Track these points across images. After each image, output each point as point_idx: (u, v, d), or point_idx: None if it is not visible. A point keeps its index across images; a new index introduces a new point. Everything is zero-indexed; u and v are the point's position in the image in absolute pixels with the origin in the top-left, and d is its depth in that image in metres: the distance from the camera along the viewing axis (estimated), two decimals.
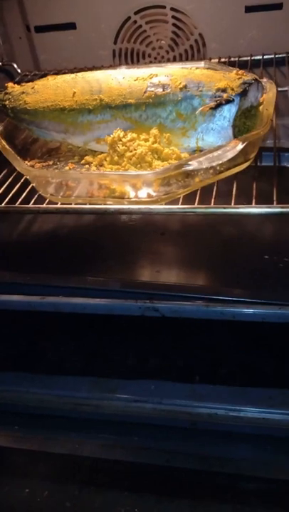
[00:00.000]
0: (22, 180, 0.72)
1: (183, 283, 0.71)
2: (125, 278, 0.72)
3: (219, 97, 0.60)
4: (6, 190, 0.70)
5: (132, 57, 1.06)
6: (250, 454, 0.68)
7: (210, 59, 1.00)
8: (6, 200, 0.67)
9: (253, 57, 0.97)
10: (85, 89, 0.67)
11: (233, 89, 0.60)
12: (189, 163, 0.56)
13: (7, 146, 0.65)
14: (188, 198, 0.63)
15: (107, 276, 0.72)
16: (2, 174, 0.75)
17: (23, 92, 0.71)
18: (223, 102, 0.60)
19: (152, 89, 0.64)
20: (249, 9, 0.97)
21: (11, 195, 0.68)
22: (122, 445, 0.70)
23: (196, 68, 0.67)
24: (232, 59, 0.98)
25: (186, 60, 1.04)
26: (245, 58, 0.98)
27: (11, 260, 0.77)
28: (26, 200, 0.68)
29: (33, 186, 0.67)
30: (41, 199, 0.68)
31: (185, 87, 0.62)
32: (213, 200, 0.60)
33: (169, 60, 1.05)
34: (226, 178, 0.62)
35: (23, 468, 0.71)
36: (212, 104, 0.60)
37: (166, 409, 0.70)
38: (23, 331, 0.81)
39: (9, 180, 0.73)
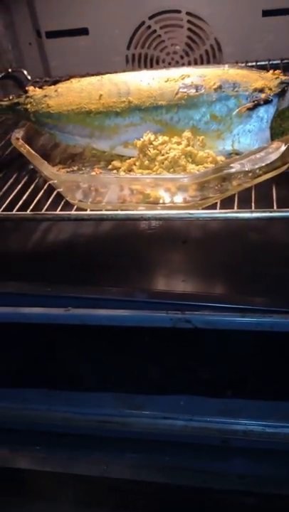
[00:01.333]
0: (32, 187, 0.69)
1: (213, 293, 0.68)
2: (151, 288, 0.69)
3: (256, 97, 0.58)
4: (19, 197, 0.67)
5: (145, 63, 1.04)
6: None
7: (226, 63, 0.98)
8: (31, 207, 0.63)
9: (270, 62, 0.95)
10: (112, 91, 0.64)
11: (270, 89, 0.58)
12: (231, 165, 0.53)
13: (32, 151, 0.62)
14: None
15: (130, 286, 0.69)
16: (10, 181, 0.72)
17: (45, 96, 0.68)
18: (261, 102, 0.57)
19: (184, 90, 0.61)
20: (266, 13, 0.95)
21: (35, 202, 0.65)
22: (153, 465, 0.66)
23: (229, 68, 0.65)
24: (249, 63, 0.96)
25: (201, 65, 1.02)
26: (262, 63, 0.96)
27: (29, 270, 0.73)
28: (50, 208, 0.65)
29: (52, 195, 0.64)
30: (64, 205, 0.65)
31: (220, 87, 0.60)
32: (253, 205, 0.57)
33: (183, 66, 1.03)
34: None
35: (49, 492, 0.67)
36: (249, 104, 0.58)
37: (197, 426, 0.67)
38: (42, 344, 0.78)
39: (18, 186, 0.70)
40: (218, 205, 0.59)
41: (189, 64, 1.03)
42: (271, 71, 0.62)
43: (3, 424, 0.72)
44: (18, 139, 0.65)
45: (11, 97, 0.72)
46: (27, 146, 0.63)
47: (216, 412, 0.67)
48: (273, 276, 0.66)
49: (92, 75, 1.01)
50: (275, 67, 0.94)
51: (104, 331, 0.70)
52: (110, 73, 0.99)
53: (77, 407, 0.70)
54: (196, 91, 0.61)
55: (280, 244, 0.72)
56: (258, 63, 0.96)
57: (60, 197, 0.65)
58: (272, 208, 0.55)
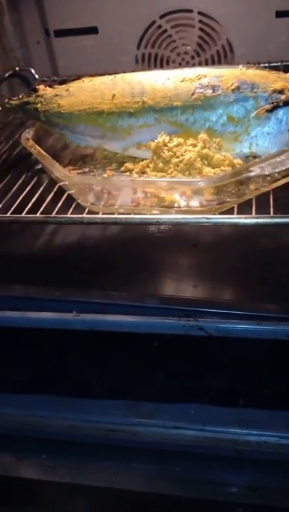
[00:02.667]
0: (42, 189, 0.67)
1: (227, 299, 0.66)
2: (161, 293, 0.68)
3: (276, 98, 0.56)
4: (28, 199, 0.65)
5: (155, 63, 1.03)
6: None
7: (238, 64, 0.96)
8: (41, 209, 0.61)
9: (284, 63, 0.94)
10: (125, 91, 0.63)
11: None
12: (251, 169, 0.51)
13: (43, 152, 0.60)
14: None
15: (140, 290, 0.68)
16: (19, 182, 0.71)
17: (56, 95, 0.66)
18: (281, 103, 0.56)
19: (201, 90, 0.60)
20: (280, 14, 0.93)
21: (44, 204, 0.63)
22: (163, 476, 0.65)
23: (247, 69, 0.63)
24: (261, 65, 0.95)
25: (213, 65, 1.00)
26: (275, 64, 0.94)
27: (36, 273, 0.71)
28: (61, 211, 0.63)
29: (63, 196, 0.62)
30: (75, 208, 0.63)
31: (238, 88, 0.58)
32: (272, 210, 0.55)
33: (194, 66, 1.01)
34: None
35: (58, 504, 0.65)
36: (268, 106, 0.56)
37: (209, 436, 0.65)
38: (49, 350, 0.76)
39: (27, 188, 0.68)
40: (236, 209, 0.57)
41: (200, 64, 1.01)
42: None
43: (10, 431, 0.70)
44: (28, 139, 0.63)
45: (20, 96, 0.70)
46: (37, 147, 0.61)
47: (229, 422, 0.65)
48: (286, 281, 0.65)
49: (101, 74, 0.99)
50: (287, 68, 0.93)
51: (112, 336, 0.68)
52: (120, 73, 0.99)
53: (84, 414, 0.68)
54: (213, 92, 0.59)
55: None
56: (271, 64, 0.94)
57: (70, 199, 0.63)
58: None
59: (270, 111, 0.56)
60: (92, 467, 0.68)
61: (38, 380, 0.72)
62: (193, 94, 0.60)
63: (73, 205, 0.63)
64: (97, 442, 0.69)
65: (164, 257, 0.72)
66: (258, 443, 0.64)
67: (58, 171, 0.57)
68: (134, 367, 0.72)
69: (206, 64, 1.01)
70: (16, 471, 0.68)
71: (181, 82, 0.61)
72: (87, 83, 0.67)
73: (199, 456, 0.66)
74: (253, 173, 0.51)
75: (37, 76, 1.05)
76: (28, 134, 0.65)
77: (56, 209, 0.63)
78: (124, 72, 0.99)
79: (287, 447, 0.63)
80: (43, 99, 0.67)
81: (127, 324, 0.64)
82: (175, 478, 0.66)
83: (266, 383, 0.68)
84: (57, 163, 0.58)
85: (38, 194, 0.66)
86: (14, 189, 0.69)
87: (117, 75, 0.67)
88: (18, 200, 0.65)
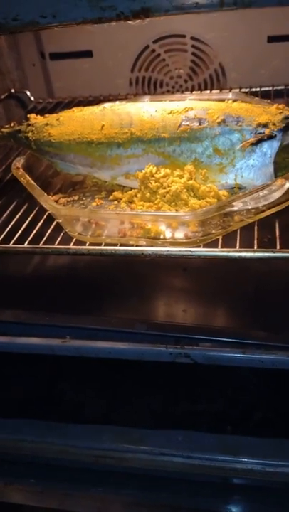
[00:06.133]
0: (33, 213, 0.68)
1: (214, 325, 0.67)
2: (150, 318, 0.68)
3: (260, 132, 0.57)
4: (17, 226, 0.66)
5: (148, 86, 1.04)
6: None
7: (230, 89, 0.97)
8: (29, 239, 0.62)
9: (275, 88, 0.95)
10: (114, 121, 0.64)
11: (274, 125, 0.57)
12: (233, 204, 0.52)
13: (32, 182, 0.61)
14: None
15: (130, 315, 0.68)
16: (10, 208, 0.72)
17: (47, 124, 0.67)
18: (265, 137, 0.56)
19: (188, 123, 0.60)
20: (272, 39, 0.95)
21: (35, 231, 0.64)
22: (151, 503, 0.65)
23: (233, 101, 0.64)
24: (253, 89, 0.96)
25: (205, 89, 1.02)
26: (266, 88, 0.95)
27: (26, 299, 0.72)
28: (50, 239, 0.64)
29: (52, 223, 0.63)
30: (64, 237, 0.64)
31: (223, 121, 0.59)
32: (256, 242, 0.56)
33: (187, 90, 1.02)
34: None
35: None
36: (253, 139, 0.57)
37: (196, 463, 0.65)
38: (38, 374, 0.76)
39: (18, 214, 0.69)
40: (220, 240, 0.58)
41: (193, 88, 1.02)
42: (275, 105, 0.61)
43: None
44: (18, 168, 0.64)
45: (12, 124, 0.71)
46: (27, 176, 0.62)
47: (216, 449, 0.65)
48: (276, 307, 0.65)
49: (96, 97, 1.01)
50: (279, 93, 0.94)
51: (101, 361, 0.68)
52: (114, 95, 1.00)
53: (73, 439, 0.69)
54: (200, 124, 0.60)
55: (283, 273, 0.71)
56: (262, 89, 0.95)
57: (60, 226, 0.64)
58: (275, 246, 0.54)
59: (255, 144, 0.57)
60: (80, 493, 0.68)
61: (27, 404, 0.72)
62: (180, 126, 0.61)
63: (64, 231, 0.63)
64: (85, 467, 0.69)
65: (153, 281, 0.72)
66: (244, 470, 0.64)
67: (46, 202, 0.58)
68: (123, 392, 0.73)
69: (199, 87, 1.02)
70: (3, 496, 0.69)
71: (169, 114, 0.62)
72: (77, 113, 0.68)
73: (187, 482, 0.67)
74: (235, 208, 0.52)
75: (32, 98, 1.06)
76: (18, 162, 0.66)
77: (47, 233, 0.64)
78: (119, 94, 1.02)
79: (273, 475, 0.63)
80: (34, 128, 0.68)
81: (115, 351, 0.64)
82: (162, 504, 0.66)
83: (254, 410, 0.68)
84: (45, 194, 0.59)
85: (28, 221, 0.67)
86: (5, 215, 0.70)
87: (106, 106, 0.68)
88: (8, 227, 0.66)
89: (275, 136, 0.56)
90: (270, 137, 0.56)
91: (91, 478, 0.68)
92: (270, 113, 0.58)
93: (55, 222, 0.65)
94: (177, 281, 0.73)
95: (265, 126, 0.57)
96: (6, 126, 0.72)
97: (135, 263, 0.74)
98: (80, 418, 0.70)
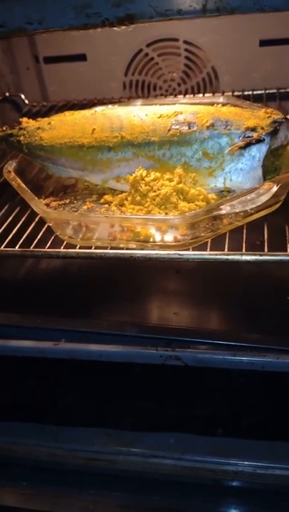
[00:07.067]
0: (25, 216, 0.69)
1: (205, 328, 0.67)
2: (142, 321, 0.68)
3: (248, 136, 0.57)
4: (9, 229, 0.67)
5: (142, 89, 1.04)
6: None
7: (223, 92, 0.98)
8: (20, 242, 0.63)
9: (267, 91, 0.95)
10: (105, 125, 0.64)
11: (263, 128, 0.57)
12: (221, 207, 0.52)
13: (23, 185, 0.61)
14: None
15: (122, 318, 0.68)
16: (2, 211, 0.72)
17: (38, 128, 0.68)
18: (254, 141, 0.57)
19: (177, 127, 0.61)
20: (264, 43, 0.95)
21: (26, 233, 0.64)
22: (142, 505, 0.65)
23: (222, 106, 0.64)
24: (245, 92, 0.96)
25: (198, 92, 1.02)
26: (259, 92, 0.96)
27: (18, 302, 0.72)
28: (41, 242, 0.64)
29: (44, 226, 0.63)
30: (55, 239, 0.64)
31: (212, 125, 0.59)
32: (244, 245, 0.56)
33: (180, 93, 1.03)
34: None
35: None
36: (241, 143, 0.57)
37: (187, 465, 0.65)
38: (30, 377, 0.76)
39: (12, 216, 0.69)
40: (209, 243, 0.58)
41: (186, 91, 1.02)
42: (264, 109, 0.61)
43: None
44: (9, 172, 0.65)
45: (4, 128, 0.71)
46: (18, 180, 0.63)
47: (207, 452, 0.65)
48: (267, 309, 0.65)
49: (90, 100, 1.02)
50: (271, 96, 0.95)
51: (94, 363, 0.69)
52: (108, 99, 1.00)
53: (65, 442, 0.69)
54: (189, 128, 0.60)
55: (274, 276, 0.71)
56: (255, 92, 0.96)
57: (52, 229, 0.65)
58: (263, 249, 0.54)
59: (244, 148, 0.57)
60: (72, 495, 0.68)
61: (19, 407, 0.73)
62: (169, 130, 0.61)
63: (54, 236, 0.64)
64: (77, 470, 0.69)
65: (146, 284, 0.73)
66: (235, 472, 0.64)
67: (36, 205, 0.58)
68: (114, 395, 0.73)
69: (192, 91, 1.02)
70: None
71: (159, 118, 0.63)
72: (68, 117, 0.68)
73: (178, 484, 0.67)
74: (223, 212, 0.52)
75: (27, 101, 1.07)
76: (10, 166, 0.66)
77: (39, 236, 0.64)
78: (113, 97, 1.02)
79: (264, 477, 0.63)
80: (25, 132, 0.68)
81: (106, 354, 0.64)
82: (154, 507, 0.66)
83: (245, 413, 0.69)
84: (36, 198, 0.59)
85: (21, 222, 0.68)
86: None
87: (97, 110, 0.69)
88: (0, 230, 0.67)
89: (264, 139, 0.57)
90: (259, 141, 0.57)
91: (83, 481, 0.68)
92: (258, 117, 0.59)
93: (46, 225, 0.65)
94: (170, 284, 0.74)
95: (253, 130, 0.57)
96: None
97: (128, 266, 0.74)
98: (72, 421, 0.71)
